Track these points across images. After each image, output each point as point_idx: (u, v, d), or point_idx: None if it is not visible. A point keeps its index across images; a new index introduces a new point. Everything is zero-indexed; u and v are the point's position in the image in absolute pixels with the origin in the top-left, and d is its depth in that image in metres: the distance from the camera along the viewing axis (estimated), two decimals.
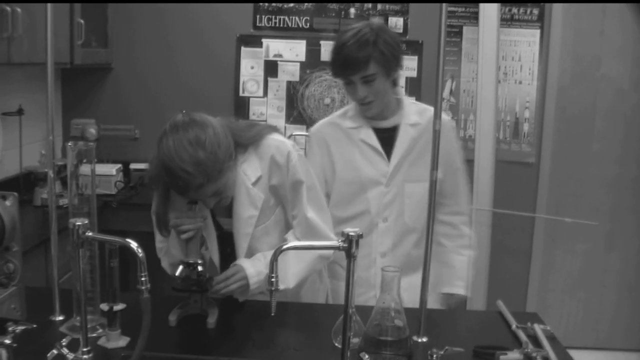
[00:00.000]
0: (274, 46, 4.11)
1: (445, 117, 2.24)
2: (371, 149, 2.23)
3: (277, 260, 1.38)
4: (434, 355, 1.54)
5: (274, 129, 2.00)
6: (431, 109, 2.10)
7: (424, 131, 2.22)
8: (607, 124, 4.13)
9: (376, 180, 2.23)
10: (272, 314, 1.44)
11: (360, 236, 1.37)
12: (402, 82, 3.99)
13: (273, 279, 1.39)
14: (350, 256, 1.37)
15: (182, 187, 1.72)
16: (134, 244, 1.36)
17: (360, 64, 2.06)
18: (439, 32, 1.69)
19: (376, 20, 2.19)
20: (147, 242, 2.00)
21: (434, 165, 1.68)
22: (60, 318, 1.80)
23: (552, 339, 1.77)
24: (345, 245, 1.37)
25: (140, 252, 1.35)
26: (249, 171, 1.92)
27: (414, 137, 2.22)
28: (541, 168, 4.15)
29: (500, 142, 4.08)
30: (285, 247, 1.39)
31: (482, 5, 3.84)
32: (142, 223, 3.38)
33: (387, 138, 2.24)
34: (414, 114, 2.25)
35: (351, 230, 1.38)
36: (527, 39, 4.02)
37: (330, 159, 2.25)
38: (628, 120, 4.11)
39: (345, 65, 2.09)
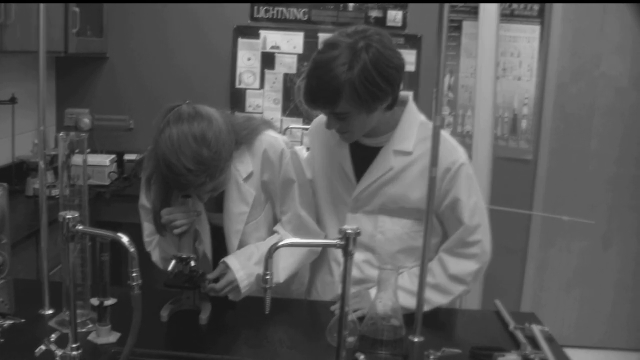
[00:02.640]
0: (271, 38, 4.06)
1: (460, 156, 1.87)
2: (341, 166, 1.94)
3: (272, 257, 1.35)
4: (431, 357, 1.51)
5: (269, 125, 1.96)
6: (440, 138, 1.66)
7: (414, 163, 1.86)
8: (605, 122, 4.10)
9: (344, 200, 1.95)
10: (267, 312, 1.41)
11: (358, 234, 1.34)
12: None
13: (268, 277, 1.36)
14: (347, 254, 1.34)
15: (182, 184, 1.68)
16: (125, 238, 1.32)
17: (327, 102, 1.72)
18: (440, 31, 1.64)
19: (372, 33, 1.70)
20: (140, 234, 1.98)
21: (434, 162, 1.65)
22: (50, 312, 1.76)
23: (550, 340, 1.74)
24: (343, 242, 1.34)
25: (131, 247, 1.31)
26: (240, 167, 1.88)
27: (398, 165, 1.87)
28: (539, 165, 4.12)
29: (498, 139, 4.05)
30: (281, 244, 1.36)
31: None
32: (135, 214, 3.35)
33: (366, 158, 1.90)
34: (407, 139, 1.87)
35: (349, 227, 1.34)
36: (526, 35, 3.99)
37: (313, 157, 2.06)
38: (626, 118, 4.09)
39: (309, 99, 1.74)
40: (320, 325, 1.77)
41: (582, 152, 4.14)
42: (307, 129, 4.04)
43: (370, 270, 1.92)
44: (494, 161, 3.83)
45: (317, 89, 1.70)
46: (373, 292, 1.80)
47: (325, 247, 1.93)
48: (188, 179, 1.65)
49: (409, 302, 1.75)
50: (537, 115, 4.07)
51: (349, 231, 1.33)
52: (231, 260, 1.86)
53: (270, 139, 1.90)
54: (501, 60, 3.98)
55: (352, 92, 1.66)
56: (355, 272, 1.91)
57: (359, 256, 1.92)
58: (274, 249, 1.34)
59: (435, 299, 1.87)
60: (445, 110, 4.07)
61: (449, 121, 4.08)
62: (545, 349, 1.65)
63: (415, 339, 1.70)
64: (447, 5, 1.65)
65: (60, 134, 1.62)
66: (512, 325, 1.82)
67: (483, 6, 3.78)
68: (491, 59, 3.78)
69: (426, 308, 1.82)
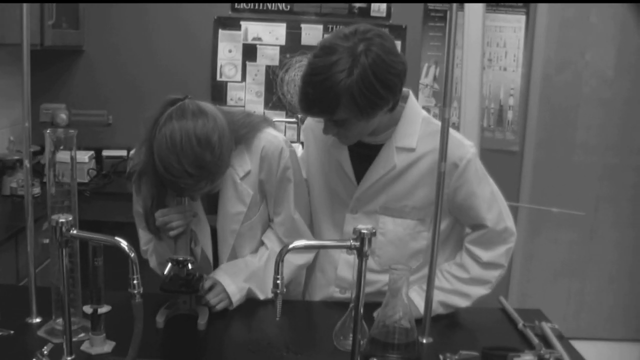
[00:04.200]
0: (253, 29, 3.96)
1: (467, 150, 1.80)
2: (339, 165, 1.85)
3: (282, 260, 1.27)
4: None
5: (269, 123, 1.88)
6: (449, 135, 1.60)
7: (419, 160, 1.78)
8: (591, 113, 4.07)
9: (342, 200, 1.86)
10: (277, 318, 1.33)
11: (373, 234, 1.27)
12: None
13: (278, 281, 1.28)
14: (362, 255, 1.27)
15: (180, 187, 1.59)
16: (124, 243, 1.24)
17: (324, 111, 1.62)
18: (448, 32, 1.63)
19: (372, 35, 1.59)
20: (122, 233, 1.86)
21: (442, 157, 1.59)
22: (37, 320, 1.66)
23: (560, 337, 1.70)
24: (357, 244, 1.26)
25: (131, 252, 1.22)
26: (237, 165, 1.79)
27: (401, 163, 1.78)
28: (525, 157, 4.09)
29: (484, 130, 4.00)
30: (292, 246, 1.28)
31: None
32: (117, 213, 3.25)
33: (366, 156, 1.81)
34: (410, 135, 1.78)
35: (363, 227, 1.27)
36: (512, 25, 3.94)
37: (308, 154, 1.97)
38: (612, 109, 4.07)
39: (305, 106, 1.64)
40: (322, 327, 1.71)
41: (568, 143, 4.11)
42: (290, 122, 3.99)
43: (368, 274, 1.83)
44: (481, 153, 3.78)
45: (313, 96, 1.59)
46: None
47: (338, 248, 1.84)
48: (187, 182, 1.56)
49: (456, 301, 1.83)
50: (523, 106, 4.04)
51: (364, 231, 1.26)
52: (221, 276, 1.79)
53: (270, 137, 1.82)
54: (487, 51, 3.93)
55: (350, 100, 1.56)
56: (350, 275, 1.82)
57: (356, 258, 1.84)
58: (285, 251, 1.26)
59: (474, 292, 1.84)
60: (431, 101, 4.01)
61: (434, 112, 4.02)
62: (559, 348, 1.60)
63: (424, 340, 1.65)
64: (455, 5, 1.60)
65: (48, 131, 1.51)
66: (520, 323, 1.77)
67: None
68: (477, 50, 3.73)
69: (466, 304, 1.84)
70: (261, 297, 1.84)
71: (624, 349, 4.21)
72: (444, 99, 1.62)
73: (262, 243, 1.92)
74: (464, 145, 1.78)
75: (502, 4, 3.92)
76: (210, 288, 1.76)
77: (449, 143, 1.61)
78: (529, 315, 1.84)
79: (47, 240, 2.47)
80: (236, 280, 1.79)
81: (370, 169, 1.80)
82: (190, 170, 1.53)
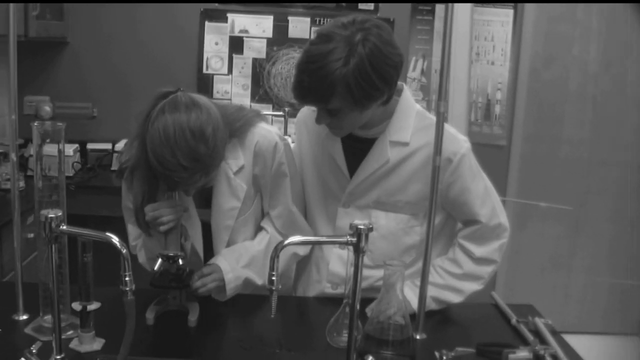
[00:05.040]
0: (239, 21, 3.92)
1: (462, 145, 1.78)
2: (332, 158, 1.83)
3: (277, 256, 1.24)
4: (444, 357, 1.43)
5: (262, 118, 1.85)
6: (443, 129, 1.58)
7: (413, 155, 1.76)
8: (578, 108, 4.08)
9: (335, 194, 1.85)
10: (272, 316, 1.30)
11: (370, 229, 1.24)
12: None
13: (274, 278, 1.25)
14: (359, 251, 1.25)
15: (174, 181, 1.56)
16: (115, 239, 1.21)
17: (318, 99, 1.61)
18: (444, 30, 1.62)
19: (370, 25, 1.57)
20: (109, 228, 1.82)
21: (437, 151, 1.57)
22: (24, 317, 1.62)
23: (553, 333, 1.70)
24: (354, 239, 1.24)
25: (123, 248, 1.19)
26: (231, 160, 1.75)
27: (395, 158, 1.76)
28: (512, 151, 4.09)
29: (472, 124, 4.00)
30: (287, 242, 1.26)
31: None
32: (102, 207, 3.21)
33: (359, 150, 1.79)
34: (404, 129, 1.76)
35: (360, 222, 1.25)
36: (500, 19, 3.93)
37: (300, 147, 1.95)
38: (599, 104, 4.07)
39: (299, 94, 1.62)
40: (315, 324, 1.69)
41: (555, 138, 4.11)
42: (277, 116, 3.96)
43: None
44: None
45: (308, 84, 1.57)
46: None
47: (334, 244, 1.81)
48: (181, 176, 1.52)
49: (448, 297, 1.81)
50: (511, 100, 4.03)
51: (361, 226, 1.23)
52: (221, 262, 1.75)
53: (264, 131, 1.78)
54: (475, 45, 3.92)
55: (345, 89, 1.55)
56: (342, 270, 1.80)
57: (349, 254, 1.82)
58: (280, 247, 1.23)
59: (467, 287, 1.82)
60: (419, 95, 3.99)
61: (422, 106, 4.00)
62: (553, 344, 1.60)
63: (418, 337, 1.64)
64: (450, 5, 1.59)
65: (35, 124, 1.48)
66: (514, 319, 1.77)
67: None
68: (465, 43, 3.72)
69: (459, 299, 1.82)
70: (259, 282, 1.80)
71: (609, 342, 4.23)
72: (439, 92, 1.60)
73: (260, 229, 1.89)
74: (458, 140, 1.77)
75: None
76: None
77: (442, 137, 1.59)
78: (521, 311, 1.83)
79: (32, 235, 2.42)
80: (235, 268, 1.76)
81: (363, 163, 1.78)
82: (184, 164, 1.50)
